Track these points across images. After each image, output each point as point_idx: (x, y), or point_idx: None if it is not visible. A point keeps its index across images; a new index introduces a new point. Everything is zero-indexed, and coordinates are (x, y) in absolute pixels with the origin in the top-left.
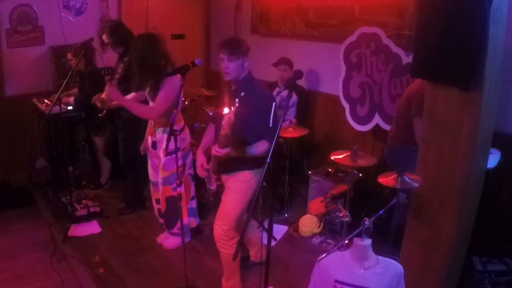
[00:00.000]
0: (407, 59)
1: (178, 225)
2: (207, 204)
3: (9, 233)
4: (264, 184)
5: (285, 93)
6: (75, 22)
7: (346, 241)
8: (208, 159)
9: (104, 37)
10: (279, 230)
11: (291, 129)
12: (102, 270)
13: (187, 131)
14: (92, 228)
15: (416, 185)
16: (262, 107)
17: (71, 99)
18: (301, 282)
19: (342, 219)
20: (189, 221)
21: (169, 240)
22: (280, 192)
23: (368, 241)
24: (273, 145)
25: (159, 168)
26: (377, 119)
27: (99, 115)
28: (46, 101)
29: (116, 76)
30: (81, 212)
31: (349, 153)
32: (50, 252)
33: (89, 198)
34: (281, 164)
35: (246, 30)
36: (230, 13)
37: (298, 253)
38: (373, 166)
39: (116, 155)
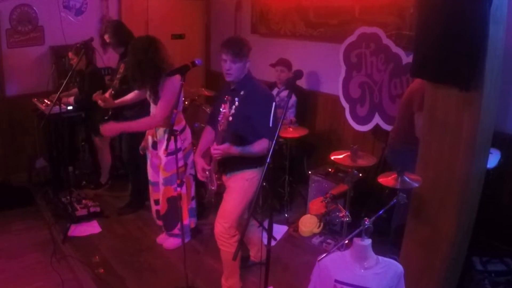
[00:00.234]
0: (407, 59)
1: (179, 225)
2: (208, 204)
3: (9, 233)
4: (264, 184)
5: (284, 93)
6: (75, 22)
7: (346, 241)
8: (209, 160)
9: (106, 37)
10: (279, 230)
11: (291, 129)
12: (102, 270)
13: (188, 131)
14: (92, 228)
15: (416, 185)
16: (262, 106)
17: (71, 99)
18: (301, 282)
19: (342, 219)
20: (190, 221)
21: (169, 240)
22: (280, 192)
23: (368, 241)
24: (273, 145)
25: (159, 168)
26: (377, 119)
27: (105, 117)
28: (46, 101)
29: (118, 76)
30: (81, 212)
31: (349, 153)
32: (50, 252)
33: (89, 198)
34: (281, 164)
35: (246, 30)
36: (230, 13)
37: (298, 253)
38: (373, 166)
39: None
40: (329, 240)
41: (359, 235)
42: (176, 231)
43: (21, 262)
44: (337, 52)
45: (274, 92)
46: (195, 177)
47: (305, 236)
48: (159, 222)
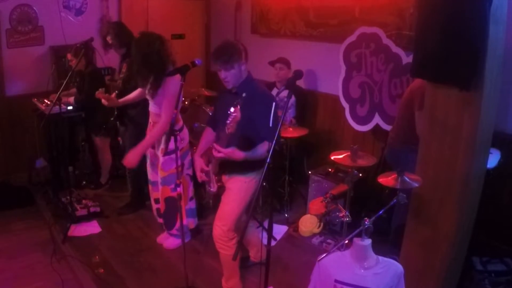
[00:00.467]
0: (407, 59)
1: (177, 226)
2: (207, 206)
3: (9, 233)
4: (264, 184)
5: (284, 93)
6: (75, 22)
7: (346, 241)
8: (208, 161)
9: (108, 38)
10: (279, 230)
11: (291, 129)
12: (102, 270)
13: (185, 130)
14: (92, 228)
15: (416, 185)
16: (264, 107)
17: (72, 99)
18: (301, 282)
19: (342, 219)
20: (188, 222)
21: (169, 240)
22: (280, 192)
23: (368, 241)
24: (273, 145)
25: (158, 168)
26: (377, 119)
27: (111, 118)
28: (46, 101)
29: (120, 75)
30: (81, 212)
31: (349, 153)
32: (50, 252)
33: (89, 198)
34: (281, 164)
35: (246, 30)
36: (230, 13)
37: (298, 253)
38: (373, 166)
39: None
40: (329, 240)
41: (359, 235)
42: (175, 231)
43: (21, 262)
44: (337, 52)
45: (274, 92)
46: (193, 177)
47: (305, 236)
48: (160, 220)
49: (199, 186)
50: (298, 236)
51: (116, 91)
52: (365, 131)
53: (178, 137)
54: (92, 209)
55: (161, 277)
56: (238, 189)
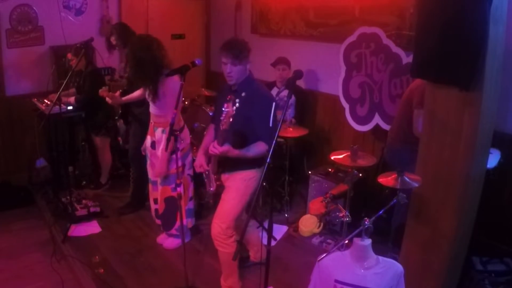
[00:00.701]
0: (407, 59)
1: (176, 226)
2: (207, 205)
3: (9, 233)
4: (264, 184)
5: (284, 93)
6: (75, 22)
7: (346, 241)
8: (209, 160)
9: (112, 39)
10: (279, 230)
11: (291, 129)
12: (102, 270)
13: (186, 131)
14: (92, 228)
15: (416, 185)
16: (263, 107)
17: (72, 98)
18: (301, 282)
19: (342, 219)
20: (187, 222)
21: (169, 240)
22: (280, 192)
23: (368, 241)
24: (273, 145)
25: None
26: (377, 119)
27: (116, 117)
28: (46, 101)
29: (125, 75)
30: (81, 212)
31: (349, 153)
32: (50, 252)
33: (89, 198)
34: (281, 164)
35: (246, 30)
36: (230, 13)
37: (298, 253)
38: (373, 166)
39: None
40: (329, 240)
41: (359, 235)
42: (174, 231)
43: (21, 262)
44: (337, 52)
45: (274, 92)
46: (193, 177)
47: (305, 236)
48: (158, 221)
49: (199, 186)
50: (298, 236)
51: (120, 90)
52: (365, 131)
53: (179, 138)
54: (92, 209)
55: (161, 277)
56: (237, 188)
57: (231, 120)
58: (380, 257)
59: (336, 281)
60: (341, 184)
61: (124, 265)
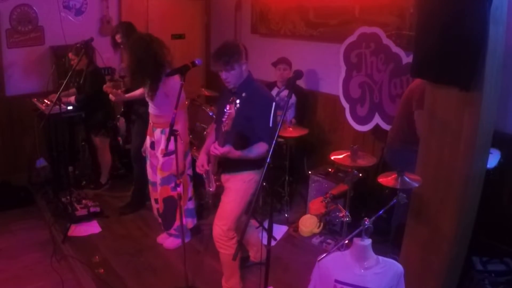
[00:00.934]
0: (407, 59)
1: (175, 225)
2: (207, 205)
3: (9, 233)
4: (264, 184)
5: (284, 93)
6: (75, 22)
7: (346, 241)
8: (208, 160)
9: (117, 37)
10: (279, 230)
11: (291, 129)
12: (102, 270)
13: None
14: (92, 228)
15: (416, 185)
16: (263, 107)
17: (72, 98)
18: (301, 282)
19: (342, 219)
20: (186, 221)
21: (169, 240)
22: (280, 192)
23: (368, 241)
24: (273, 145)
25: (157, 169)
26: (377, 119)
27: (118, 115)
28: (46, 101)
29: (126, 74)
30: (81, 212)
31: (349, 153)
32: (50, 252)
33: (89, 198)
34: (281, 164)
35: (246, 30)
36: (230, 13)
37: (298, 253)
38: (373, 166)
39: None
40: (329, 240)
41: (359, 235)
42: (173, 231)
43: (21, 262)
44: (337, 52)
45: (274, 92)
46: (192, 177)
47: (305, 236)
48: (160, 220)
49: (199, 186)
50: (298, 236)
51: (123, 88)
52: (365, 131)
53: (179, 137)
54: (92, 209)
55: (161, 277)
56: (237, 189)
57: (233, 122)
58: (380, 257)
59: (336, 281)
60: (341, 184)
61: (124, 265)
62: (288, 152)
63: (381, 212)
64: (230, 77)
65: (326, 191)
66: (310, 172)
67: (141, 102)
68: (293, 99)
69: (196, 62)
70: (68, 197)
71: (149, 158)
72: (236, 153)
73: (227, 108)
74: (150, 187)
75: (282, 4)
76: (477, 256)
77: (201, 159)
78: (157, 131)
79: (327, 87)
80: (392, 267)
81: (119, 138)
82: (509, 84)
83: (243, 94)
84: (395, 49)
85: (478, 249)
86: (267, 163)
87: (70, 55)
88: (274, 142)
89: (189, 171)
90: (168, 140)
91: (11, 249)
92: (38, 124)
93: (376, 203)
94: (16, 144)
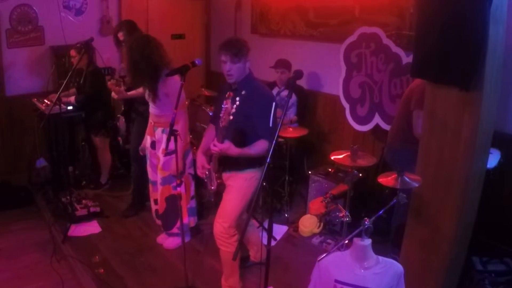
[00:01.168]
0: (407, 59)
1: (177, 225)
2: (208, 204)
3: (9, 233)
4: (264, 184)
5: (284, 93)
6: (75, 22)
7: (346, 241)
8: (209, 159)
9: (120, 34)
10: (279, 230)
11: (291, 129)
12: (102, 270)
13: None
14: (92, 228)
15: (416, 185)
16: (263, 106)
17: (72, 98)
18: (301, 282)
19: (342, 219)
20: (189, 220)
21: (169, 240)
22: (280, 192)
23: (368, 241)
24: (273, 145)
25: (157, 168)
26: (377, 119)
27: (118, 115)
28: (46, 101)
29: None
30: (81, 212)
31: (349, 153)
32: (50, 252)
33: (89, 198)
34: (281, 164)
35: (246, 30)
36: (230, 13)
37: (298, 253)
38: (373, 166)
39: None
40: (329, 240)
41: (359, 235)
42: (175, 230)
43: (21, 262)
44: (337, 52)
45: (275, 91)
46: (194, 176)
47: (305, 236)
48: (158, 222)
49: (200, 185)
50: (298, 236)
51: (124, 87)
52: (365, 131)
53: (179, 137)
54: (92, 209)
55: (161, 277)
56: (238, 187)
57: (230, 117)
58: (380, 257)
59: (336, 281)
60: (341, 184)
61: (124, 265)
62: (288, 152)
63: (381, 212)
64: (234, 69)
65: (326, 191)
66: (310, 172)
67: (142, 101)
68: (294, 99)
69: (196, 62)
70: (68, 197)
71: (150, 157)
72: (236, 150)
73: (224, 104)
74: (150, 186)
75: (282, 4)
76: (477, 256)
77: (200, 160)
78: (158, 131)
79: (327, 87)
80: (392, 267)
81: (119, 138)
82: (509, 84)
83: (243, 92)
84: (395, 49)
85: (478, 249)
86: (267, 163)
87: (73, 52)
88: (274, 142)
89: (191, 170)
90: (168, 140)
91: (11, 249)
92: (38, 124)
93: (376, 203)
94: (16, 144)
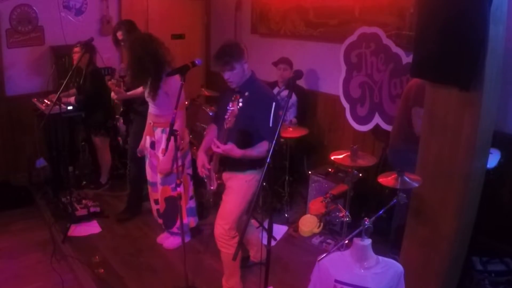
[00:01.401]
0: (407, 59)
1: (178, 225)
2: (207, 204)
3: (9, 233)
4: (264, 184)
5: (285, 93)
6: (75, 22)
7: (346, 241)
8: (210, 159)
9: (119, 34)
10: (279, 230)
11: (291, 129)
12: (102, 270)
13: (186, 130)
14: (92, 228)
15: (416, 185)
16: (265, 107)
17: (72, 98)
18: (301, 282)
19: (342, 219)
20: (189, 220)
21: (169, 240)
22: (280, 192)
23: (368, 241)
24: (273, 145)
25: (157, 168)
26: (377, 119)
27: (117, 116)
28: (46, 101)
29: (127, 74)
30: (81, 212)
31: (349, 153)
32: (50, 252)
33: (89, 198)
34: (281, 164)
35: (246, 30)
36: (230, 13)
37: (298, 253)
38: (373, 166)
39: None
40: (329, 240)
41: (359, 235)
42: (175, 229)
43: (21, 262)
44: (337, 52)
45: (275, 91)
46: (193, 176)
47: (305, 236)
48: (160, 221)
49: (199, 185)
50: (298, 236)
51: (124, 87)
52: (365, 131)
53: (178, 137)
54: (92, 209)
55: (161, 277)
56: (239, 188)
57: (235, 119)
58: (380, 257)
59: (336, 281)
60: (341, 184)
61: (124, 265)
62: (288, 152)
63: (381, 212)
64: (232, 76)
65: (326, 191)
66: (310, 172)
67: (141, 101)
68: (294, 99)
69: (196, 62)
70: (68, 197)
71: (149, 158)
72: (238, 152)
73: (230, 106)
74: (149, 187)
75: (282, 4)
76: (477, 256)
77: (201, 159)
78: (158, 131)
79: (327, 87)
80: (392, 267)
81: (119, 138)
82: (509, 84)
83: (246, 93)
84: (395, 49)
85: (478, 249)
86: (267, 163)
87: (77, 48)
88: (274, 142)
89: (189, 170)
90: (168, 140)
91: (11, 249)
92: (38, 124)
93: (376, 203)
94: (16, 144)
